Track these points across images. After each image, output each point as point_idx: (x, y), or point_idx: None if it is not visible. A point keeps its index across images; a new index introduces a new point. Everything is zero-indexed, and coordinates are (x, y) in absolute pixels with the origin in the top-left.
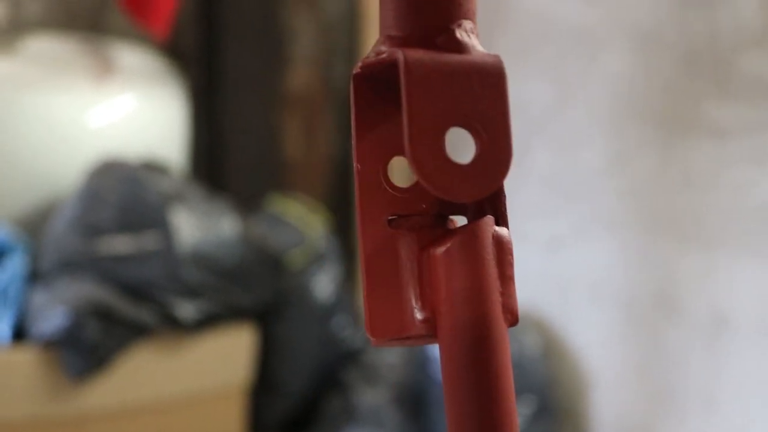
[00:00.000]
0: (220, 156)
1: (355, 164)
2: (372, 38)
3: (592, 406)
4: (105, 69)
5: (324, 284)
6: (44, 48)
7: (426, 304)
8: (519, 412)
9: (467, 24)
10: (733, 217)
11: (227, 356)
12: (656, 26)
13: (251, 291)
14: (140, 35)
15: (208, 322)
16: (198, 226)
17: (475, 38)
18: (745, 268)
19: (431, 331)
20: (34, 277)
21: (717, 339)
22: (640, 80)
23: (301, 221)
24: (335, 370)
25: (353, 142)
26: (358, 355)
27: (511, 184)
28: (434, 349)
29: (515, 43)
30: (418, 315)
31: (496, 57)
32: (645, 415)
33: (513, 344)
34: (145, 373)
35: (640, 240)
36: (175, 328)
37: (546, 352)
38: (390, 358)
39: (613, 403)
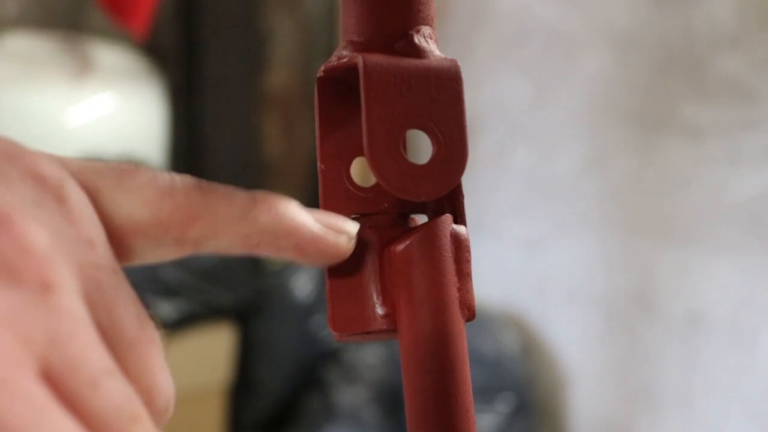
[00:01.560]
0: (198, 155)
1: (318, 164)
2: None
3: (570, 404)
4: (84, 68)
5: (303, 284)
6: (23, 46)
7: (387, 299)
8: (497, 409)
9: (426, 29)
10: (708, 216)
11: (206, 356)
12: (633, 28)
13: (230, 290)
14: (119, 34)
15: (187, 321)
16: None
17: (434, 43)
18: (720, 266)
19: (392, 325)
20: None
21: (693, 336)
22: (617, 81)
23: None
24: (315, 370)
25: (317, 142)
26: (338, 355)
27: (489, 184)
28: None
29: (494, 43)
30: (379, 310)
31: (453, 61)
32: (622, 412)
33: (491, 342)
34: None
35: (617, 239)
36: None
37: (524, 350)
38: (369, 357)
39: (591, 400)
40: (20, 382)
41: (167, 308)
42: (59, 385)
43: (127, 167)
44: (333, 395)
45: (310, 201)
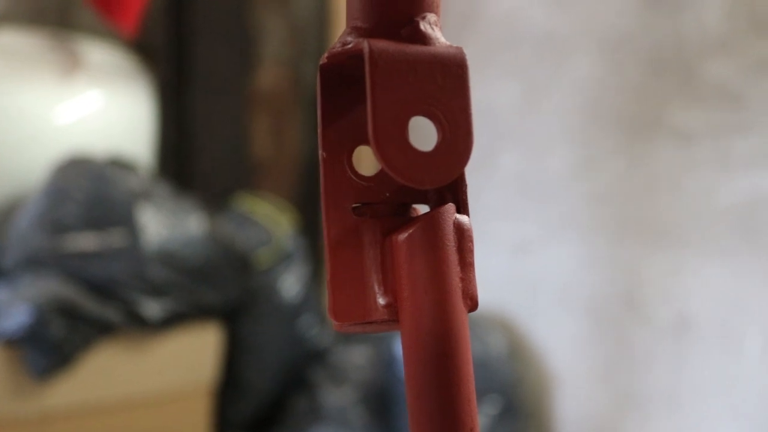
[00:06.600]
0: (187, 154)
1: (320, 153)
2: None
3: (557, 407)
4: (72, 65)
5: (291, 284)
6: (11, 43)
7: (388, 289)
8: (484, 412)
9: (431, 17)
10: (697, 220)
11: (193, 355)
12: (623, 32)
13: (218, 290)
14: (108, 32)
15: (174, 320)
16: (165, 224)
17: (439, 30)
18: (709, 270)
19: (393, 316)
20: None
21: (681, 340)
22: (607, 85)
23: (269, 220)
24: (302, 370)
25: (319, 131)
26: (325, 355)
27: (479, 187)
28: (400, 349)
29: (484, 46)
30: (381, 300)
31: (459, 49)
32: (610, 415)
33: (479, 344)
34: (110, 372)
35: (606, 242)
36: (140, 326)
37: (512, 352)
38: (356, 358)
39: (578, 404)
40: None
41: (154, 307)
42: None
43: None
44: (320, 396)
45: (298, 200)
